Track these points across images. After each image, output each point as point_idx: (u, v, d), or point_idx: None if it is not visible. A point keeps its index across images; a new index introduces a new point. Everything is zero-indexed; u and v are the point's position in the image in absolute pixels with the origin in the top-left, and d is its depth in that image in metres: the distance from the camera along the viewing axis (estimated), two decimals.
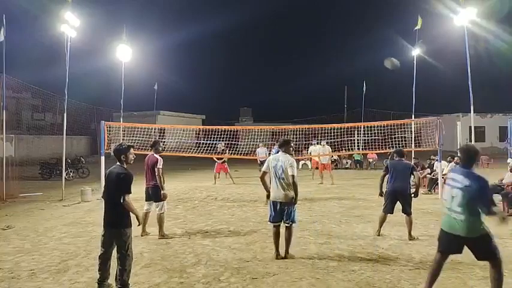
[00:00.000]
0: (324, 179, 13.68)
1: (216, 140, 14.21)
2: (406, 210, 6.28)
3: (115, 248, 4.16)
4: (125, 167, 4.34)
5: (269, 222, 5.48)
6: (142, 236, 6.44)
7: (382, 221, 6.48)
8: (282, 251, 5.39)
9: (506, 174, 8.98)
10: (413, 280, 4.48)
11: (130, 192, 4.15)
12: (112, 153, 4.49)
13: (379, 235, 6.46)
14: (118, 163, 4.34)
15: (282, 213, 5.32)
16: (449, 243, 3.85)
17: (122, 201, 4.06)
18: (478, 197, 3.63)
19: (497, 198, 8.66)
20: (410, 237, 6.20)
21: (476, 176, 3.70)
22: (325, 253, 5.56)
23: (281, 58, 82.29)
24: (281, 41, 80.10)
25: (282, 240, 5.43)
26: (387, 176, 6.47)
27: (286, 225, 5.39)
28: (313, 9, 79.52)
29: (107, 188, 4.27)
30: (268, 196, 5.50)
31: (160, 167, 6.41)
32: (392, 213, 6.39)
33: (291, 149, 5.52)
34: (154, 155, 6.58)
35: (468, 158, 3.86)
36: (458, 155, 4.17)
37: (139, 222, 4.31)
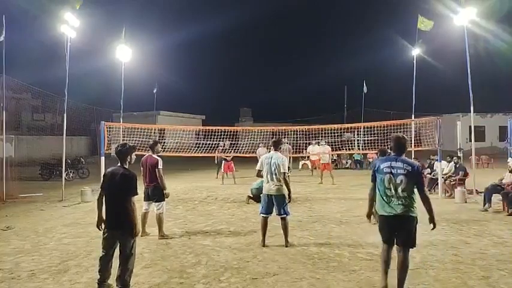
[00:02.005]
0: (324, 179, 13.69)
1: (217, 140, 14.24)
2: None
3: (116, 249, 4.14)
4: (127, 167, 4.29)
5: (260, 214, 5.98)
6: (142, 236, 6.43)
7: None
8: (275, 243, 5.40)
9: (506, 174, 8.97)
10: (413, 280, 4.47)
11: (137, 194, 4.12)
12: (114, 154, 4.41)
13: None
14: (119, 164, 4.26)
15: (273, 206, 5.87)
16: (391, 229, 4.03)
17: (129, 204, 4.00)
18: (418, 179, 4.05)
19: (497, 198, 8.69)
20: None
21: (412, 161, 4.15)
22: (325, 253, 5.56)
23: (281, 58, 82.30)
24: (281, 41, 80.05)
25: (275, 233, 5.44)
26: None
27: (281, 217, 5.89)
28: (313, 9, 79.55)
29: (110, 189, 4.15)
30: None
31: (161, 167, 6.42)
32: None
33: (281, 147, 6.22)
34: (153, 155, 6.56)
35: (400, 147, 4.16)
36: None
37: (135, 233, 4.09)
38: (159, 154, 6.71)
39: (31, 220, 8.08)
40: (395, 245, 4.08)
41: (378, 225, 4.20)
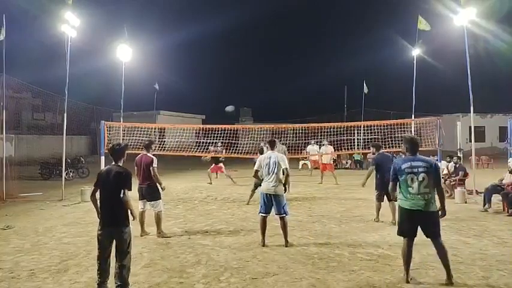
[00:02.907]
0: (325, 179, 13.67)
1: (216, 139, 14.23)
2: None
3: (112, 247, 4.15)
4: (122, 165, 4.35)
5: (259, 214, 6.00)
6: (142, 236, 6.44)
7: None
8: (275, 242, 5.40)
9: (506, 175, 8.96)
10: (413, 280, 4.48)
11: (131, 189, 4.17)
12: (110, 153, 4.48)
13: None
14: (114, 162, 4.33)
15: (272, 205, 5.89)
16: (413, 222, 4.35)
17: (121, 196, 4.06)
18: (437, 175, 4.40)
19: (497, 198, 8.69)
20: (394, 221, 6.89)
21: (428, 159, 4.48)
22: (325, 253, 5.56)
23: (281, 58, 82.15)
24: (281, 41, 79.88)
25: (275, 233, 5.42)
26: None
27: (280, 216, 5.90)
28: (313, 9, 79.39)
29: (105, 187, 4.20)
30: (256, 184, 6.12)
31: (156, 166, 6.46)
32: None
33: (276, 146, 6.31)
34: (148, 154, 6.60)
35: (415, 147, 4.51)
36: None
37: (133, 217, 4.26)
38: (153, 154, 6.74)
39: (31, 219, 8.08)
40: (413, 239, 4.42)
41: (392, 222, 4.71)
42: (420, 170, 4.29)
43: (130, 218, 4.22)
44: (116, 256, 4.09)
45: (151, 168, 6.41)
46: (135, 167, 6.58)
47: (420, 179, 4.26)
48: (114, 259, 4.11)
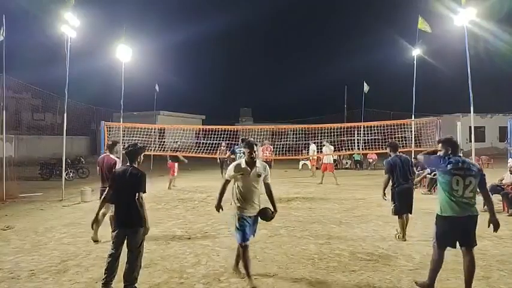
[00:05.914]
0: (325, 179, 13.67)
1: (217, 140, 14.26)
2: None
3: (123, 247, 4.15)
4: (137, 167, 4.32)
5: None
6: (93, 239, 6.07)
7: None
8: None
9: (506, 175, 8.96)
10: (413, 280, 4.47)
11: (146, 191, 4.16)
12: (125, 153, 4.44)
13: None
14: (128, 163, 4.31)
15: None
16: (454, 231, 4.04)
17: (136, 198, 4.03)
18: (483, 180, 4.08)
19: (497, 198, 8.68)
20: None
21: (473, 163, 4.21)
22: (325, 253, 5.56)
23: (281, 58, 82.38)
24: (281, 41, 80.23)
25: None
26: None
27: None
28: (313, 9, 79.63)
29: (120, 187, 4.19)
30: None
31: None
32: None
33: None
34: (111, 156, 6.33)
35: (457, 148, 4.21)
36: (459, 155, 4.21)
37: (146, 226, 4.10)
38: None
39: (31, 220, 8.07)
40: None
41: (435, 229, 4.18)
42: (468, 173, 3.96)
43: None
44: (128, 255, 4.09)
45: (113, 171, 6.08)
46: (97, 167, 6.38)
47: (467, 182, 3.94)
48: (126, 258, 4.11)
